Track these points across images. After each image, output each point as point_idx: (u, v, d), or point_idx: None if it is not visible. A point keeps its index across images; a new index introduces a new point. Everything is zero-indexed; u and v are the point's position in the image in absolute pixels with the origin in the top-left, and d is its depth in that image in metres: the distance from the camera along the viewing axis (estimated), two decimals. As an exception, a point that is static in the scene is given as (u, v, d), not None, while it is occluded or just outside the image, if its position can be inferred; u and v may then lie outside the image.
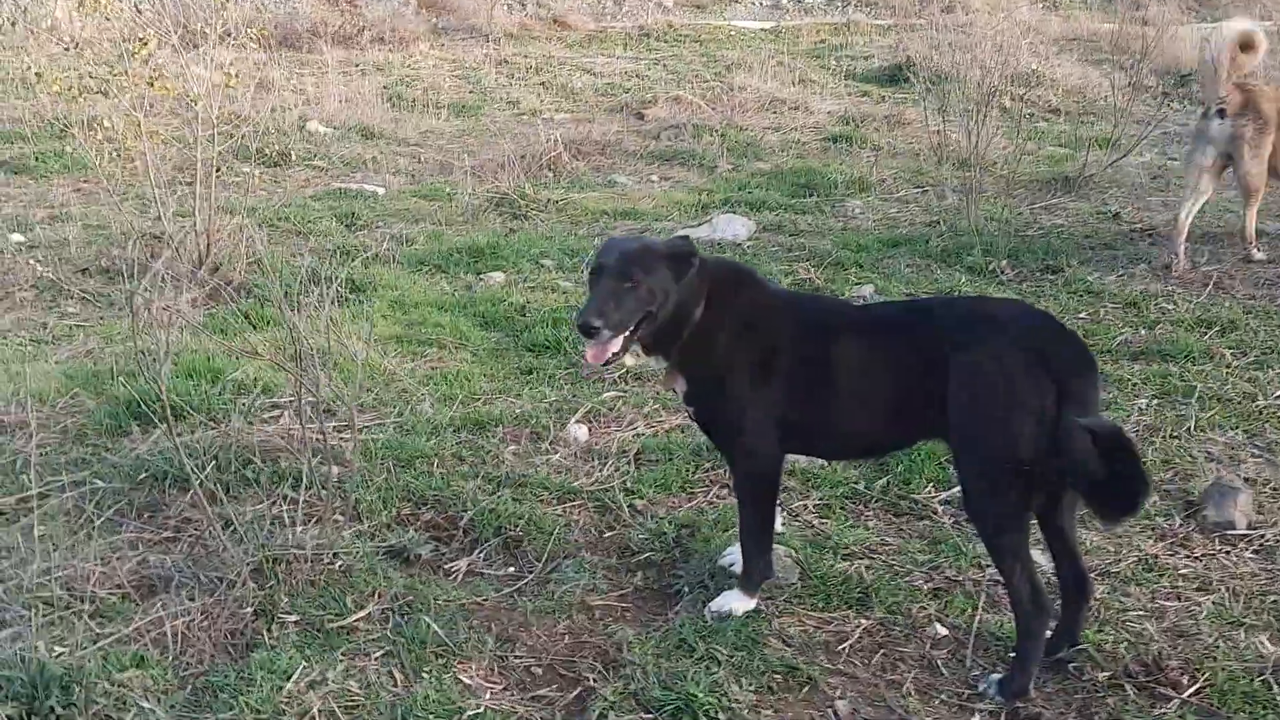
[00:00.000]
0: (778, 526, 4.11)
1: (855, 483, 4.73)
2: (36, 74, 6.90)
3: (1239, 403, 5.42)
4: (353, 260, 7.51)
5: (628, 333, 3.76)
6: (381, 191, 9.84)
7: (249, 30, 7.45)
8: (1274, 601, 3.91)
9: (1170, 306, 6.87)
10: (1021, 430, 3.29)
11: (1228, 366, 5.87)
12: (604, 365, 3.83)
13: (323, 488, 4.49)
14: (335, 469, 4.73)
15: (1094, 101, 14.07)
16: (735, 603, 3.88)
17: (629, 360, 5.93)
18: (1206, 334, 6.35)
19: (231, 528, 4.14)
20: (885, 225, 8.89)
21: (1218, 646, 3.66)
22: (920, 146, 11.59)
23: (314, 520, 4.34)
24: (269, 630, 3.75)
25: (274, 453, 4.78)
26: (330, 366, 5.22)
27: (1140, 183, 10.11)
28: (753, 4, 21.53)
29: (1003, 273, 7.60)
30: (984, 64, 13.79)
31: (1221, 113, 7.54)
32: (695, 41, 18.30)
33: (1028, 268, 7.68)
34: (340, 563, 4.08)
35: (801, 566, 4.12)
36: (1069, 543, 3.58)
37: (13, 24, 8.33)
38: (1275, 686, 3.45)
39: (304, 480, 4.41)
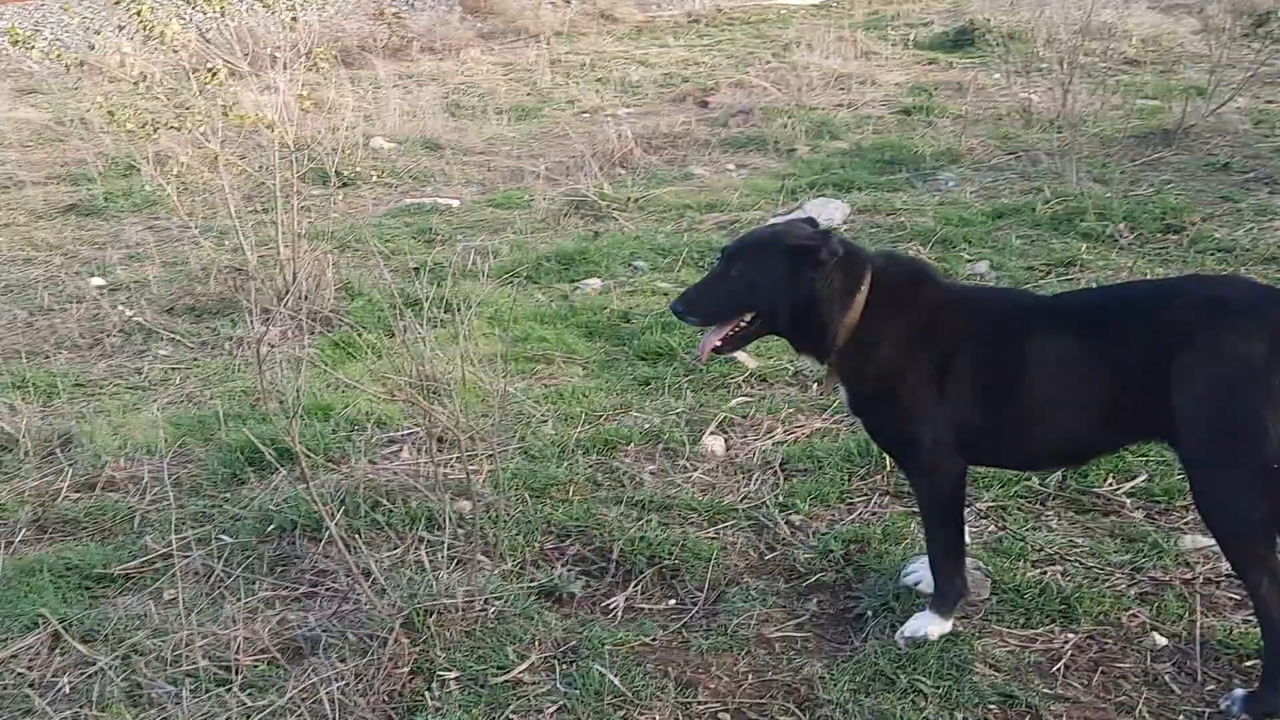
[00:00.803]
0: (964, 537, 3.77)
1: (1028, 479, 4.37)
2: (109, 112, 6.65)
3: None
4: (441, 279, 7.25)
5: (732, 328, 3.55)
6: (456, 204, 9.57)
7: (318, 50, 7.18)
8: None
9: (1314, 259, 6.46)
10: (1272, 429, 2.93)
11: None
12: (710, 359, 3.60)
13: (459, 527, 4.22)
14: (467, 504, 4.45)
15: (1170, 50, 13.54)
16: (930, 626, 3.54)
17: (746, 361, 5.67)
18: (1362, 286, 5.93)
19: (372, 578, 3.88)
20: (984, 196, 8.48)
21: None
22: (1001, 111, 11.16)
23: (456, 563, 4.06)
24: (429, 690, 3.48)
25: (402, 492, 4.51)
26: (440, 394, 4.96)
27: (1243, 129, 9.62)
28: (799, -20, 21.09)
29: (1121, 236, 7.20)
30: (1052, 20, 13.42)
31: None
32: (745, 24, 17.93)
33: (1147, 229, 7.27)
34: (494, 609, 3.80)
35: (992, 579, 3.78)
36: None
37: (80, 64, 8.10)
38: None
39: (442, 521, 4.14)
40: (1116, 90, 11.42)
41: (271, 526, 4.35)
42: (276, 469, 4.70)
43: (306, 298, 7.03)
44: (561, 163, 10.41)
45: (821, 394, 5.03)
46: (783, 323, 3.56)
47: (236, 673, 3.55)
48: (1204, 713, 3.21)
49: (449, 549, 4.06)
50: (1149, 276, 6.40)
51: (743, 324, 3.57)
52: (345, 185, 10.15)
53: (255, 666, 3.60)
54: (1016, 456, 3.68)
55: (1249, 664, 3.35)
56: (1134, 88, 11.77)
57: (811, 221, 3.74)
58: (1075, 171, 8.30)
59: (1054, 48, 12.53)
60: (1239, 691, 3.21)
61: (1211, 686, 3.30)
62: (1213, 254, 6.73)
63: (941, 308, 3.51)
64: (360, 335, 6.37)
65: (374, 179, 10.29)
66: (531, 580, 3.99)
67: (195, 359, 6.48)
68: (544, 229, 8.67)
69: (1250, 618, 3.51)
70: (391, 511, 4.38)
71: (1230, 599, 3.65)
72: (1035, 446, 3.49)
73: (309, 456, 4.72)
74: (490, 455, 4.81)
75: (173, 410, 5.64)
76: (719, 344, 3.59)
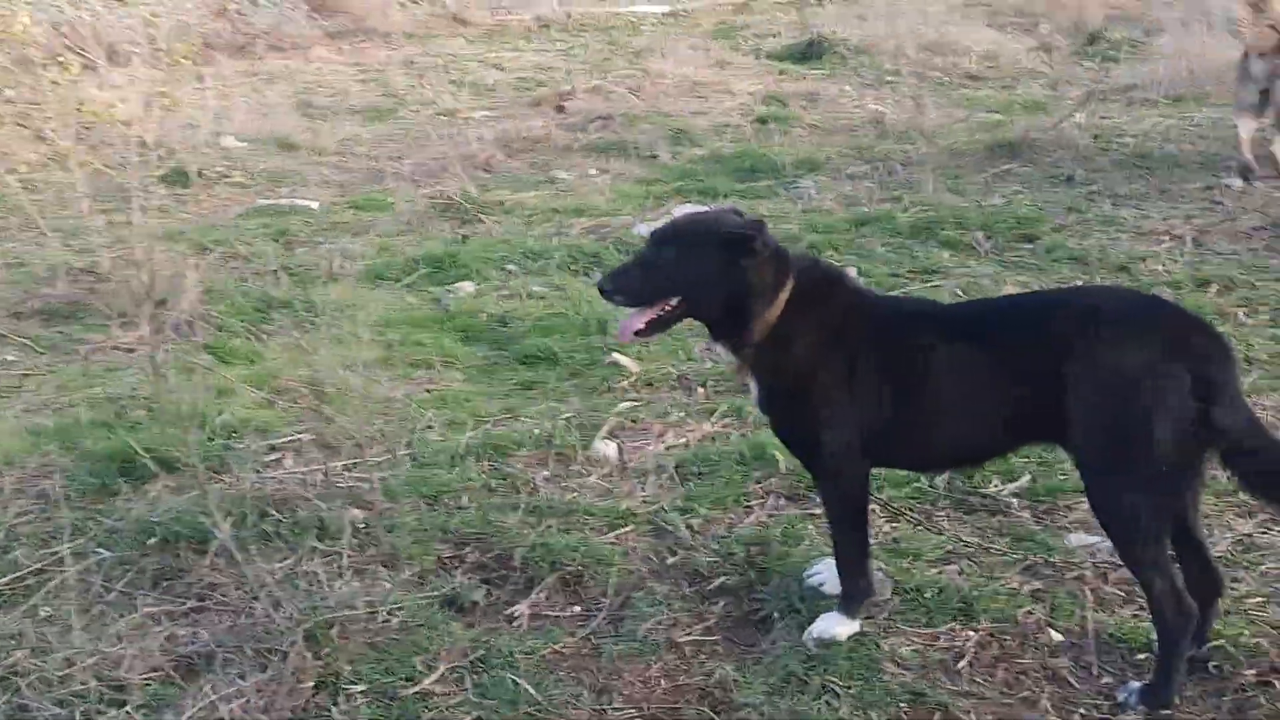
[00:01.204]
0: (867, 540, 3.84)
1: (916, 481, 4.47)
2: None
3: (1271, 363, 5.31)
4: (306, 282, 7.09)
5: (657, 312, 3.56)
6: (315, 205, 9.34)
7: (180, 46, 6.93)
8: (1390, 573, 3.77)
9: (1159, 267, 6.79)
10: (1164, 433, 3.06)
11: (1244, 326, 5.76)
12: (632, 340, 3.76)
13: (354, 536, 4.11)
14: (360, 513, 4.35)
15: (1008, 66, 14.07)
16: (838, 626, 3.59)
17: (630, 365, 5.67)
18: (1208, 293, 6.25)
19: (266, 590, 3.75)
20: (845, 204, 8.66)
21: (1353, 628, 3.49)
22: (853, 121, 11.44)
23: (353, 573, 3.96)
24: (335, 705, 3.38)
25: (290, 501, 4.37)
26: (324, 400, 4.84)
27: (1082, 144, 10.04)
28: (648, -12, 21.24)
29: (980, 245, 7.44)
30: (898, 35, 13.83)
31: (1261, 54, 8.52)
32: (597, 30, 17.96)
33: (1003, 238, 7.53)
34: (397, 619, 3.71)
35: (893, 580, 3.86)
36: (1195, 537, 3.37)
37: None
38: None
39: (334, 531, 4.04)
40: (960, 104, 11.82)
41: (153, 539, 4.16)
42: (149, 479, 4.53)
43: (166, 301, 6.77)
44: (422, 165, 10.27)
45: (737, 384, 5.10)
46: (708, 310, 3.57)
47: (129, 692, 3.38)
48: (1103, 705, 3.32)
49: (345, 559, 3.96)
50: (1009, 284, 6.64)
51: (668, 308, 3.55)
52: (191, 185, 9.80)
53: (148, 686, 3.44)
54: (916, 458, 3.76)
55: (1141, 657, 3.49)
56: (977, 102, 12.19)
57: (737, 211, 3.76)
58: (931, 182, 8.55)
59: (901, 61, 12.91)
60: (1134, 684, 3.33)
61: (1107, 679, 3.43)
62: (1066, 263, 7.00)
63: (853, 311, 3.57)
64: (228, 340, 6.16)
65: (228, 179, 9.99)
66: (432, 589, 3.91)
67: (48, 365, 6.16)
68: (409, 231, 8.52)
69: (1139, 613, 3.66)
70: (280, 521, 4.25)
71: (1118, 594, 3.80)
72: (935, 449, 3.58)
73: (192, 466, 4.54)
74: (380, 462, 4.71)
75: (30, 419, 5.36)
76: (642, 327, 3.59)
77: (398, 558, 4.06)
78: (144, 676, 3.47)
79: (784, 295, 3.52)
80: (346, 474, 4.66)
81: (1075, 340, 3.20)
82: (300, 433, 4.98)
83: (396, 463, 4.76)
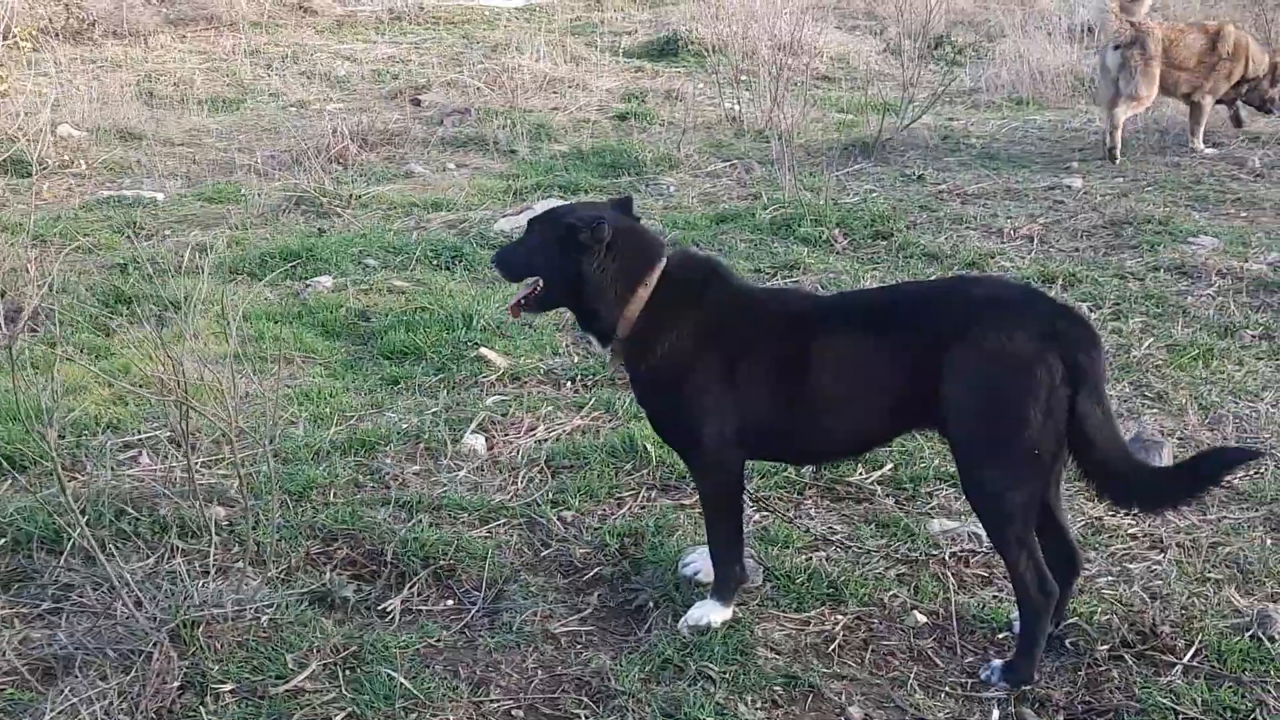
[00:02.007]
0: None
1: (785, 471, 4.55)
2: None
3: (1115, 355, 5.54)
4: (154, 276, 6.86)
5: (529, 291, 3.72)
6: (161, 197, 9.04)
7: (21, 29, 6.63)
8: (1228, 553, 3.97)
9: (1007, 264, 7.03)
10: (1035, 417, 3.18)
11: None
12: (513, 317, 4.05)
13: (216, 534, 4.00)
14: (221, 510, 4.24)
15: (858, 67, 14.41)
16: (712, 613, 3.64)
17: (497, 360, 5.65)
18: (1053, 289, 6.49)
19: (127, 589, 3.63)
20: (705, 201, 8.76)
21: (1194, 605, 3.68)
22: (710, 119, 11.56)
23: (217, 572, 3.86)
24: (203, 704, 3.30)
25: (149, 499, 4.24)
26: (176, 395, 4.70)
27: (932, 144, 10.35)
28: (502, -18, 21.10)
29: (836, 242, 7.60)
30: (752, 34, 14.02)
31: (1116, 46, 9.38)
32: (450, 23, 17.76)
33: (858, 235, 7.70)
34: (265, 617, 3.63)
35: (764, 566, 3.92)
36: (1057, 519, 3.50)
37: None
38: (1265, 641, 3.48)
39: (196, 529, 3.93)
40: (815, 104, 12.04)
41: (2, 540, 3.99)
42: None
43: (4, 294, 6.49)
44: (274, 157, 10.03)
45: (611, 374, 5.15)
46: (562, 296, 3.70)
47: (-18, 699, 3.25)
48: (966, 683, 3.44)
49: (209, 558, 3.85)
50: (866, 279, 6.80)
51: (536, 288, 3.68)
52: (27, 175, 9.40)
53: (2, 690, 3.30)
54: (799, 451, 3.83)
55: (1001, 636, 3.62)
56: (829, 102, 12.45)
57: (625, 204, 3.79)
58: (789, 180, 8.70)
59: (755, 61, 13.09)
60: (996, 662, 3.46)
61: (970, 658, 3.55)
62: (920, 259, 7.20)
63: (731, 307, 3.61)
64: (73, 335, 5.94)
65: (68, 169, 9.62)
66: (301, 586, 3.83)
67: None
68: (262, 225, 8.33)
69: (999, 593, 3.80)
70: (139, 520, 4.12)
71: (979, 576, 3.94)
72: (822, 441, 3.64)
73: (44, 464, 4.37)
74: (243, 458, 4.58)
75: None
76: (520, 302, 3.72)
77: (264, 555, 3.96)
78: (-2, 681, 3.33)
79: (644, 291, 3.56)
80: (207, 471, 4.54)
81: (959, 329, 3.30)
82: (156, 429, 4.83)
83: (260, 459, 4.65)
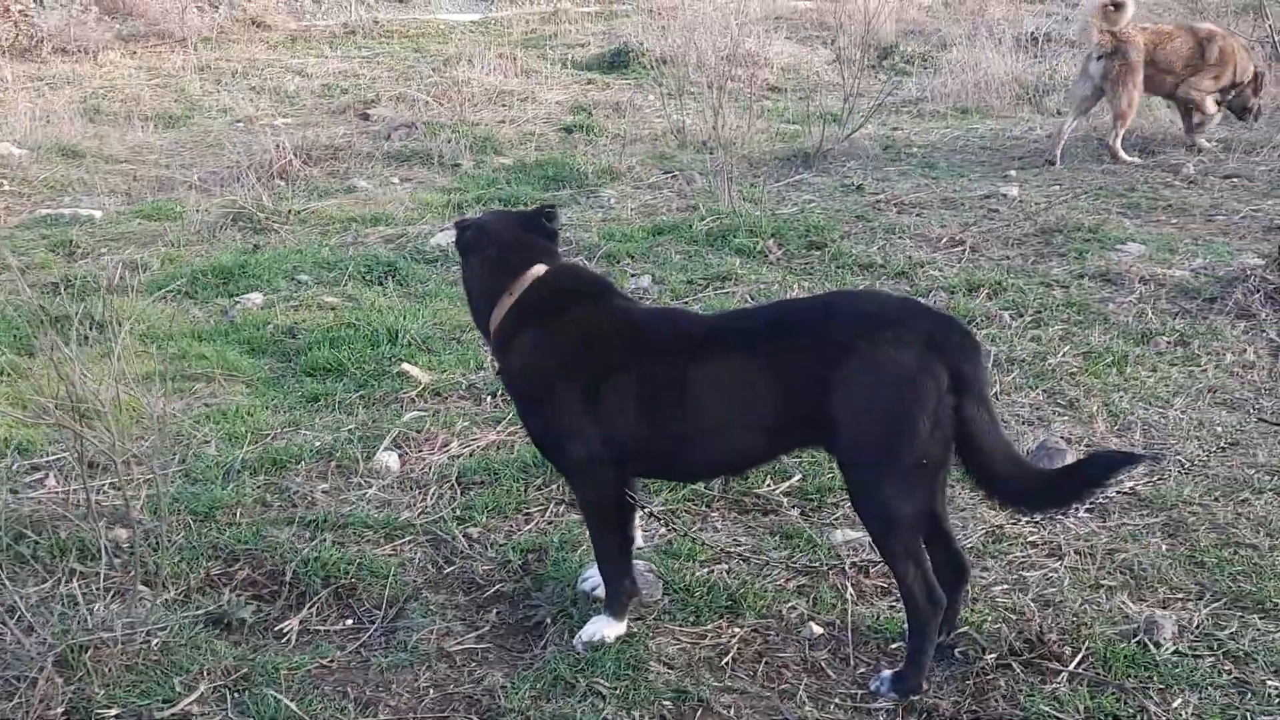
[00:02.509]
0: (638, 541, 3.90)
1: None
2: None
3: (1031, 363, 5.58)
4: (86, 294, 6.84)
5: None
6: (99, 214, 9.01)
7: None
8: (1123, 559, 4.00)
9: (937, 273, 7.06)
10: (924, 428, 3.19)
11: (1008, 328, 6.04)
12: None
13: (115, 556, 3.98)
14: (124, 532, 4.21)
15: (807, 78, 14.48)
16: (606, 629, 3.65)
17: (419, 375, 5.65)
18: (978, 297, 6.54)
19: (17, 615, 3.61)
20: (644, 213, 8.78)
21: (1086, 612, 3.70)
22: (656, 131, 11.59)
23: (113, 595, 3.83)
24: (88, 731, 3.28)
25: (50, 522, 4.21)
26: (91, 416, 4.67)
27: (873, 154, 10.40)
28: (458, -4, 21.13)
29: (770, 253, 7.63)
30: (701, 47, 14.07)
31: (1099, 56, 9.57)
32: (404, 37, 17.76)
33: (793, 245, 7.72)
34: (157, 640, 3.61)
35: (664, 580, 3.93)
36: (943, 527, 3.52)
37: None
38: (1151, 647, 3.51)
39: (96, 552, 3.91)
40: (762, 115, 12.09)
41: (-109, 565, 3.96)
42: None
43: (-72, 315, 6.45)
44: (215, 173, 10.01)
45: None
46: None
47: None
48: (857, 694, 3.46)
49: (105, 580, 3.84)
50: (796, 289, 6.82)
51: None
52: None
53: (-117, 720, 3.28)
54: (681, 470, 3.84)
55: (894, 646, 3.64)
56: (776, 113, 12.50)
57: (536, 215, 3.86)
58: (728, 191, 8.73)
59: (704, 72, 13.13)
60: (886, 672, 3.47)
61: (863, 669, 3.57)
62: (851, 269, 7.23)
63: (604, 326, 3.61)
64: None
65: (4, 188, 9.56)
66: (198, 608, 3.82)
67: None
68: (199, 242, 8.30)
69: (895, 604, 3.81)
70: (38, 543, 4.09)
71: (877, 587, 3.95)
72: (700, 461, 3.65)
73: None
74: (148, 480, 4.57)
75: None
76: None
77: (162, 577, 3.94)
78: (-121, 711, 3.30)
79: (509, 297, 3.61)
80: (113, 492, 4.51)
81: (844, 346, 3.29)
82: (65, 451, 4.80)
83: (168, 480, 4.63)
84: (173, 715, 3.34)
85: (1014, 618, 3.65)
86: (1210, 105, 9.81)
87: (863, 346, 3.28)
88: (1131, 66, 9.54)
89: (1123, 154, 9.67)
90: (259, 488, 4.62)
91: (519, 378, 3.70)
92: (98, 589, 3.81)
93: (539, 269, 3.68)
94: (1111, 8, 9.57)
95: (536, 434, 3.75)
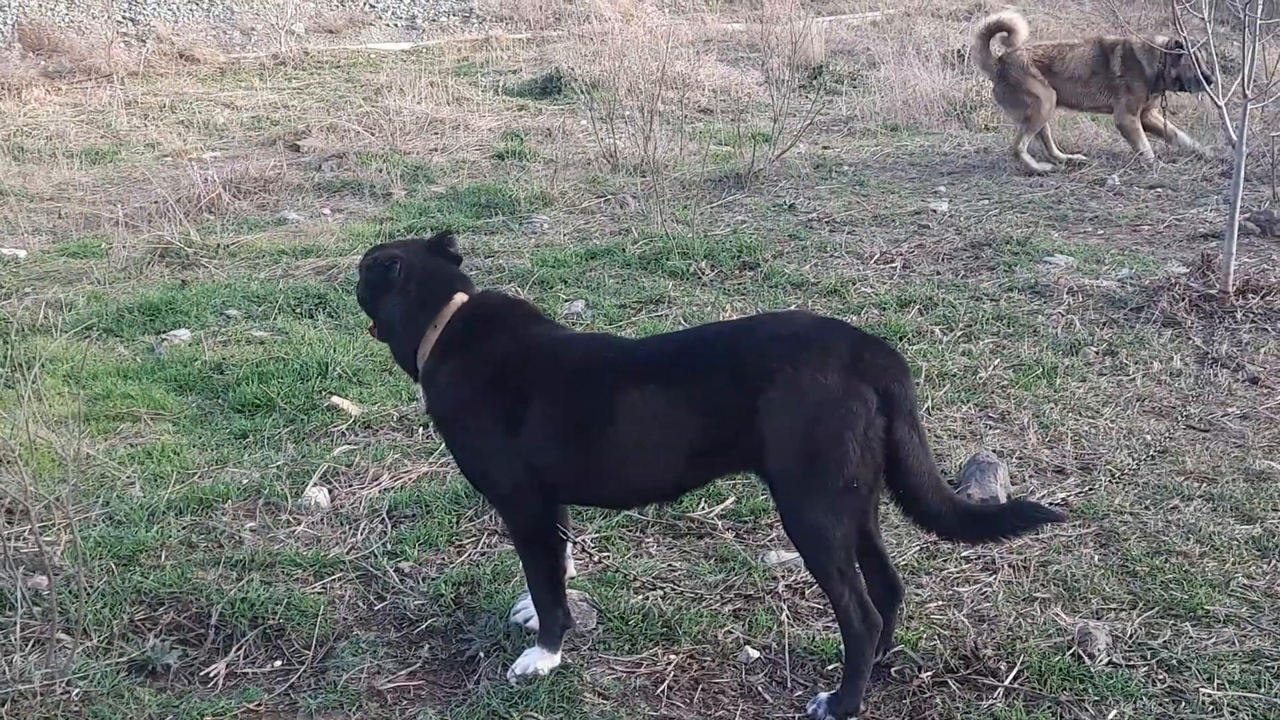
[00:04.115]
0: (570, 570, 3.85)
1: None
2: None
3: (962, 377, 5.60)
4: (4, 335, 6.69)
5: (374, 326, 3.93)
6: (22, 254, 8.82)
7: None
8: (1057, 571, 4.01)
9: (869, 290, 7.09)
10: (854, 451, 3.17)
11: (940, 343, 6.07)
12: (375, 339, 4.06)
13: (34, 605, 3.88)
14: (43, 579, 4.10)
15: (739, 99, 14.54)
16: (539, 661, 3.60)
17: (349, 408, 5.59)
18: (909, 313, 6.57)
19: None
20: (577, 238, 8.75)
21: (1020, 625, 3.71)
22: (589, 155, 11.57)
23: (31, 645, 3.73)
24: (5, 788, 3.18)
25: (-37, 571, 4.09)
26: (6, 461, 4.56)
27: (805, 173, 10.45)
28: (388, 26, 21.04)
29: (704, 274, 7.62)
30: (631, 70, 14.10)
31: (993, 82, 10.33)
32: (335, 67, 17.64)
33: (726, 266, 7.72)
34: (77, 691, 3.51)
35: (598, 609, 3.88)
36: (876, 546, 3.51)
37: None
38: (1085, 659, 3.51)
39: (13, 600, 3.80)
40: (694, 137, 12.12)
41: None
42: None
43: None
44: (143, 209, 9.86)
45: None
46: (380, 329, 3.88)
47: None
48: (793, 718, 3.43)
49: (22, 630, 3.73)
50: (728, 310, 6.82)
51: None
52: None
53: None
54: (605, 498, 3.80)
55: (831, 668, 3.62)
56: (708, 134, 12.53)
57: (440, 241, 3.81)
58: (660, 214, 8.73)
59: (635, 96, 13.16)
60: (823, 695, 3.45)
61: (800, 692, 3.54)
62: (784, 288, 7.24)
63: (519, 351, 3.58)
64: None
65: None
66: (121, 655, 3.73)
67: None
68: (125, 279, 8.15)
69: (830, 625, 3.79)
70: (-48, 593, 3.97)
71: (813, 608, 3.93)
72: (627, 489, 3.61)
73: None
74: (67, 524, 4.46)
75: None
76: (370, 329, 4.01)
77: (83, 624, 3.84)
78: None
79: (434, 330, 3.59)
80: (32, 538, 4.39)
81: (769, 371, 3.26)
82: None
83: (90, 523, 4.52)
84: (94, 768, 3.24)
85: (949, 634, 3.65)
86: (1142, 142, 9.88)
87: (787, 371, 3.25)
88: (1014, 84, 10.01)
89: (1027, 159, 9.90)
90: (184, 528, 4.52)
91: (442, 409, 3.67)
92: (14, 639, 3.70)
93: (459, 298, 3.63)
94: (1003, 30, 10.16)
95: (464, 465, 3.73)
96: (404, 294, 3.68)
